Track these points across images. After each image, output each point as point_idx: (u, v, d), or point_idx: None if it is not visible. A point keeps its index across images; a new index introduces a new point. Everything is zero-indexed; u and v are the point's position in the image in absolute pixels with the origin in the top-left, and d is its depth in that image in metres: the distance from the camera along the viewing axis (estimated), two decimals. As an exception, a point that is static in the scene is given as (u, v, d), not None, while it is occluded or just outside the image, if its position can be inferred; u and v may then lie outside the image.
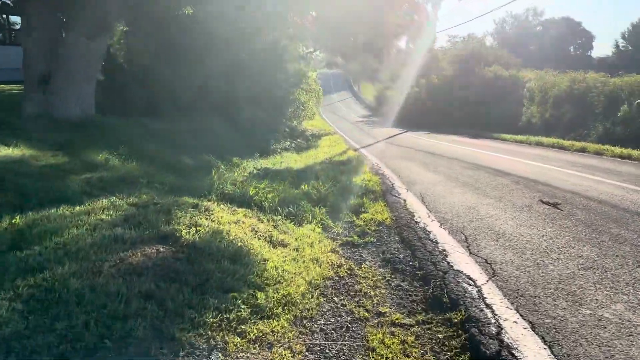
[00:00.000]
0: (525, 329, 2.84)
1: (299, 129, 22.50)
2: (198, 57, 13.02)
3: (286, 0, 12.35)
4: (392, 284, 3.68)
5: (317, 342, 2.72)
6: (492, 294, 3.34)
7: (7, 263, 2.95)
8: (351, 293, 3.45)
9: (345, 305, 3.23)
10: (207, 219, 4.26)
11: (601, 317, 2.98)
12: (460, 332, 2.86)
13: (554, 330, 2.82)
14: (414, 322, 3.03)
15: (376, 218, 5.53)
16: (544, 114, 20.15)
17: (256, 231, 4.33)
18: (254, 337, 2.60)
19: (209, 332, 2.54)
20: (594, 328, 2.85)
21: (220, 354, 2.41)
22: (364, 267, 3.99)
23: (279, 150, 15.14)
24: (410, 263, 4.11)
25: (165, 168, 7.77)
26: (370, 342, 2.74)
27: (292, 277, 3.44)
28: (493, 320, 2.93)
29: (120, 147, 7.97)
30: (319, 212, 5.49)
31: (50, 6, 9.75)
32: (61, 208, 4.18)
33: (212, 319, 2.64)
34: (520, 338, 2.72)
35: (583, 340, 2.70)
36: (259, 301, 2.96)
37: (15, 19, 18.83)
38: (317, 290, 3.39)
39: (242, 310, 2.81)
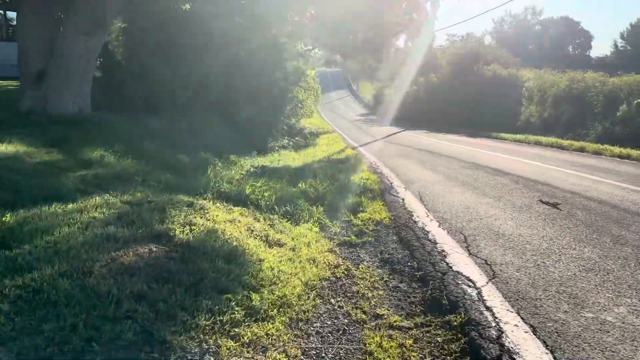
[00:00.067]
0: (526, 332, 2.77)
1: (297, 127, 22.39)
2: (196, 55, 12.93)
3: None
4: (390, 285, 3.61)
5: (313, 345, 2.65)
6: (492, 296, 3.26)
7: (-5, 262, 2.87)
8: (348, 294, 3.38)
9: (342, 307, 3.16)
10: (202, 217, 4.18)
11: (604, 321, 2.91)
12: (459, 335, 2.78)
13: (556, 334, 2.75)
14: (413, 324, 2.96)
15: (374, 217, 5.46)
16: (542, 114, 20.13)
17: (252, 230, 4.25)
18: (247, 341, 2.53)
19: (202, 335, 2.46)
20: (597, 332, 2.78)
21: (212, 358, 2.33)
22: (362, 268, 3.92)
23: (276, 148, 15.04)
24: (409, 264, 4.04)
25: (161, 166, 7.68)
26: (367, 345, 2.67)
27: (288, 278, 3.36)
28: (493, 324, 2.86)
29: (116, 144, 7.88)
30: (317, 211, 5.43)
31: (47, 2, 9.67)
32: (53, 206, 4.11)
33: (205, 322, 2.56)
34: (521, 342, 2.65)
35: (586, 344, 2.63)
36: (253, 303, 2.88)
37: (12, 15, 18.72)
38: (314, 292, 3.32)
39: (236, 312, 2.73)
